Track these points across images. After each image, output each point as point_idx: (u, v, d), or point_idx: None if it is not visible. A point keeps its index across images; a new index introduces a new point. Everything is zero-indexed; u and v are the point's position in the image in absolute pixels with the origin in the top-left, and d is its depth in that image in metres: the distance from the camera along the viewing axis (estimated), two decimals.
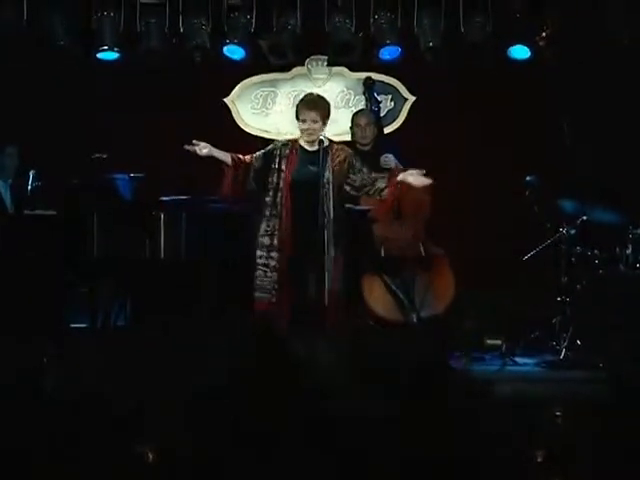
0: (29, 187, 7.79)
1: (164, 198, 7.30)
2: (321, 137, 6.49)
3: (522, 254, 7.64)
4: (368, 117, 7.77)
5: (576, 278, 7.48)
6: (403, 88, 8.89)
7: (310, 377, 3.34)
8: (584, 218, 7.51)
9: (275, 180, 6.50)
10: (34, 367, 3.94)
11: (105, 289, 7.47)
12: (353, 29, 8.46)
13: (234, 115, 8.93)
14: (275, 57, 8.65)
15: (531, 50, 8.42)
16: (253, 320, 6.41)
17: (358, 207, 7.24)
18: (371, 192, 6.58)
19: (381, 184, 6.52)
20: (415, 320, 7.28)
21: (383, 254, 7.49)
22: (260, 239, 6.48)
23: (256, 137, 8.78)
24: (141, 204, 7.37)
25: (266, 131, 8.89)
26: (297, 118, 6.60)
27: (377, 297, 7.39)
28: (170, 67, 8.64)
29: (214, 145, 6.56)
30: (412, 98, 8.87)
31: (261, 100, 8.96)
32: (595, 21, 8.23)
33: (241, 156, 6.57)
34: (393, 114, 8.86)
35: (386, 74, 8.78)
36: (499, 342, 7.71)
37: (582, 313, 7.39)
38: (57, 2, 8.34)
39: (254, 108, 8.96)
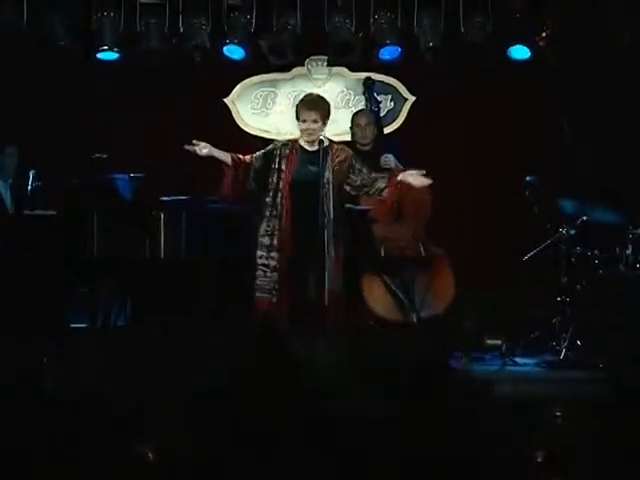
0: (29, 187, 7.79)
1: (164, 198, 7.30)
2: (321, 137, 6.49)
3: (522, 254, 7.63)
4: (368, 117, 7.77)
5: (576, 278, 7.48)
6: (403, 88, 8.89)
7: (310, 377, 3.34)
8: (584, 218, 7.51)
9: (275, 180, 6.50)
10: (34, 367, 3.94)
11: (105, 289, 7.47)
12: (353, 29, 8.45)
13: (234, 115, 8.93)
14: (275, 57, 8.65)
15: (531, 50, 8.42)
16: (254, 320, 6.42)
17: (358, 207, 7.24)
18: (371, 192, 6.58)
19: (381, 184, 6.51)
20: (415, 320, 7.28)
21: (383, 254, 7.49)
22: (260, 239, 6.48)
23: (256, 137, 8.78)
24: (141, 204, 7.37)
25: (266, 131, 8.89)
26: (297, 118, 6.60)
27: (377, 297, 7.39)
28: (170, 67, 8.64)
29: (214, 145, 6.56)
30: (412, 98, 8.87)
31: (261, 100, 8.96)
32: (595, 21, 8.23)
33: (241, 156, 6.57)
34: (393, 114, 8.86)
35: (386, 74, 8.78)
36: (499, 342, 7.71)
37: (582, 313, 7.38)
38: (57, 2, 8.34)
39: (254, 108, 8.96)
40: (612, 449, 3.14)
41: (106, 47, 8.46)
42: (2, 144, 8.14)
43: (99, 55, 8.50)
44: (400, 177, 6.53)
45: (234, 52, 8.53)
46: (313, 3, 8.50)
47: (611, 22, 8.21)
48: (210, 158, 6.54)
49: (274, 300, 6.41)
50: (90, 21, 8.44)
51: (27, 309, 7.05)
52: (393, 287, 7.37)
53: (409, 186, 6.65)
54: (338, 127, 8.07)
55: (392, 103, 8.88)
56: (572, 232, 7.53)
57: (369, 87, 7.98)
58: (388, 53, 8.52)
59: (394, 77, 8.83)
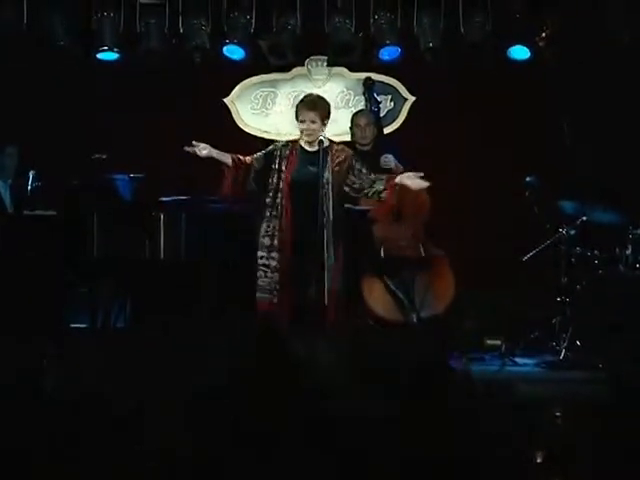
0: (29, 187, 7.79)
1: (164, 198, 7.30)
2: (321, 137, 6.49)
3: (522, 254, 7.63)
4: (368, 117, 7.77)
5: (576, 278, 7.48)
6: (403, 88, 8.89)
7: (310, 377, 3.34)
8: (584, 218, 7.51)
9: (275, 181, 6.51)
10: (34, 367, 3.93)
11: (105, 289, 7.47)
12: (353, 29, 8.46)
13: (234, 115, 8.93)
14: (275, 57, 8.65)
15: (531, 50, 8.42)
16: (255, 321, 6.42)
17: (358, 207, 7.24)
18: (370, 194, 6.58)
19: (379, 186, 6.52)
20: (415, 320, 7.28)
21: (383, 254, 7.49)
22: (261, 240, 6.49)
23: (256, 137, 8.78)
24: (141, 204, 7.37)
25: (266, 131, 8.89)
26: (296, 118, 6.61)
27: (377, 297, 7.39)
28: (170, 67, 8.64)
29: (214, 145, 6.56)
30: (412, 98, 8.87)
31: (261, 100, 8.96)
32: (595, 21, 8.23)
33: (241, 157, 6.57)
34: (393, 114, 8.86)
35: (386, 74, 8.79)
36: (499, 342, 7.72)
37: (582, 313, 7.38)
38: (57, 2, 8.34)
39: (254, 108, 8.96)
40: (612, 449, 3.14)
41: (106, 47, 8.46)
42: (2, 144, 8.15)
43: (99, 55, 8.50)
44: (398, 179, 6.54)
45: (234, 52, 8.54)
46: (313, 3, 8.50)
47: (611, 22, 8.21)
48: (210, 159, 6.55)
49: (275, 300, 6.42)
50: (90, 21, 8.44)
51: (27, 309, 7.05)
52: (393, 287, 7.37)
53: (408, 187, 6.67)
54: (338, 127, 8.07)
55: (392, 103, 8.88)
56: (572, 232, 7.53)
57: (369, 87, 7.98)
58: (388, 53, 8.52)
59: (394, 77, 8.84)
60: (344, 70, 8.90)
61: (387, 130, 8.46)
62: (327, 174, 6.47)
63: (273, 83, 8.97)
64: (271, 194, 6.50)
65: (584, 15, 8.27)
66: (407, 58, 8.58)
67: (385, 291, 7.39)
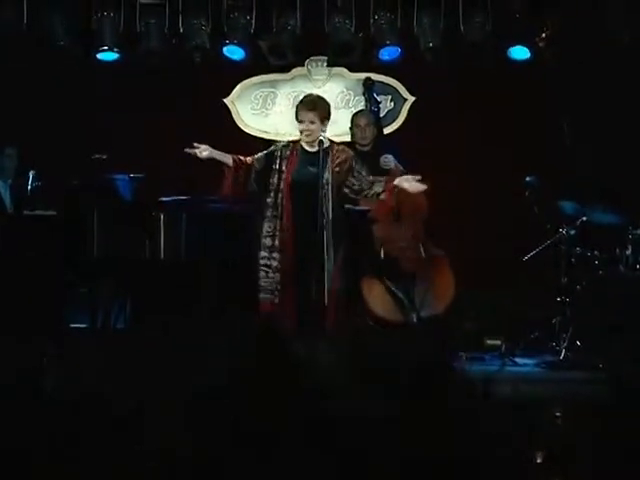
0: (29, 187, 7.79)
1: (164, 198, 7.30)
2: (321, 138, 6.50)
3: (522, 254, 7.64)
4: (368, 118, 7.77)
5: (576, 279, 7.48)
6: (403, 88, 8.89)
7: (310, 377, 3.34)
8: (584, 219, 7.51)
9: (276, 181, 6.52)
10: (34, 367, 3.93)
11: (105, 289, 7.47)
12: (353, 29, 8.46)
13: (234, 116, 8.93)
14: (275, 58, 8.65)
15: (531, 51, 8.43)
16: (256, 321, 6.42)
17: (358, 208, 7.23)
18: (369, 196, 6.59)
19: (378, 188, 6.52)
20: (415, 320, 7.28)
21: (383, 254, 7.49)
22: (262, 240, 6.49)
23: (255, 138, 8.79)
24: (141, 204, 7.37)
25: (266, 132, 8.89)
26: (296, 119, 6.62)
27: (377, 297, 7.39)
28: (170, 67, 8.64)
29: (214, 145, 6.56)
30: (412, 98, 8.87)
31: (261, 101, 8.97)
32: (595, 21, 8.23)
33: (242, 157, 6.58)
34: (393, 114, 8.86)
35: (386, 74, 8.79)
36: (499, 342, 7.72)
37: (582, 314, 7.38)
38: (57, 2, 8.34)
39: (254, 109, 8.97)
40: (612, 450, 3.14)
41: (106, 47, 8.46)
42: (2, 145, 8.15)
43: (99, 55, 8.50)
44: (396, 182, 6.55)
45: (234, 52, 8.54)
46: (313, 3, 8.50)
47: (611, 22, 8.21)
48: (210, 160, 6.55)
49: (276, 301, 6.42)
50: (90, 21, 8.44)
51: (27, 309, 7.05)
52: (393, 287, 7.37)
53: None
54: (338, 128, 8.07)
55: (392, 103, 8.88)
56: (572, 232, 7.53)
57: (369, 87, 7.97)
58: (388, 53, 8.52)
59: (394, 77, 8.84)
60: (344, 70, 8.90)
61: (387, 130, 8.46)
62: (327, 175, 6.47)
63: (273, 83, 8.97)
64: (272, 194, 6.50)
65: (584, 15, 8.27)
66: (407, 58, 8.58)
67: (385, 291, 7.39)
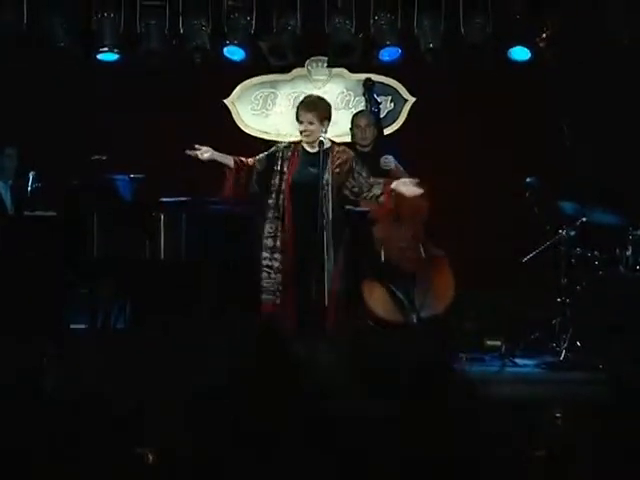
0: (29, 188, 7.79)
1: (164, 199, 7.30)
2: (321, 139, 6.50)
3: (522, 255, 7.64)
4: (368, 118, 7.77)
5: (576, 279, 7.48)
6: (403, 89, 8.89)
7: (310, 377, 3.34)
8: (584, 219, 7.51)
9: (277, 182, 6.52)
10: (34, 367, 3.94)
11: (105, 290, 7.47)
12: (353, 30, 8.46)
13: (234, 116, 8.93)
14: (275, 58, 8.65)
15: (531, 51, 8.43)
16: (258, 321, 6.42)
17: (358, 209, 7.23)
18: (368, 198, 6.59)
19: (377, 191, 6.53)
20: (415, 321, 7.28)
21: (383, 255, 7.48)
22: (264, 241, 6.50)
23: (255, 138, 8.79)
24: (141, 205, 7.37)
25: (266, 132, 8.89)
26: (296, 119, 6.63)
27: (377, 298, 7.38)
28: (170, 68, 8.64)
29: (214, 146, 6.56)
30: (412, 99, 8.87)
31: (261, 101, 8.97)
32: (595, 22, 8.23)
33: (243, 159, 6.58)
34: (393, 115, 8.87)
35: (386, 75, 8.79)
36: (499, 343, 7.72)
37: (582, 314, 7.38)
38: (57, 3, 8.34)
39: (254, 109, 8.97)
40: (612, 450, 3.14)
41: (106, 48, 8.46)
42: (2, 145, 8.15)
43: (99, 56, 8.50)
44: (393, 185, 6.54)
45: (234, 53, 8.54)
46: (313, 4, 8.50)
47: (611, 22, 8.21)
48: (212, 161, 6.55)
49: (278, 302, 6.42)
50: (90, 22, 8.44)
51: (27, 309, 7.05)
52: (393, 288, 7.36)
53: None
54: (338, 128, 8.06)
55: (392, 104, 8.88)
56: (572, 233, 7.53)
57: (369, 88, 7.96)
58: (388, 54, 8.52)
59: (394, 78, 8.84)
60: (344, 71, 8.90)
61: (387, 131, 8.45)
62: (327, 176, 6.48)
63: (273, 84, 8.97)
64: (273, 195, 6.51)
65: (584, 16, 8.27)
66: (407, 59, 8.58)
67: (385, 292, 7.38)
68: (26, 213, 7.58)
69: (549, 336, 7.58)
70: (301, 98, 6.97)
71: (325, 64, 8.92)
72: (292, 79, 8.96)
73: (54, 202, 7.51)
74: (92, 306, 7.40)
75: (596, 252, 7.50)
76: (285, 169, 6.53)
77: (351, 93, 8.87)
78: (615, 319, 7.19)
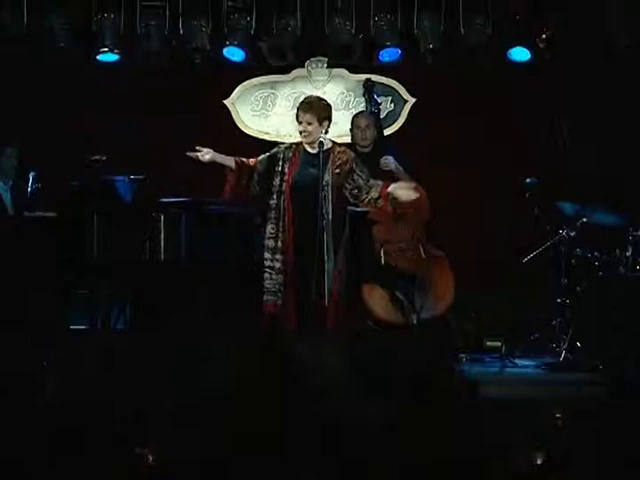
0: (29, 188, 7.79)
1: (164, 200, 7.30)
2: (321, 139, 6.50)
3: (522, 256, 7.64)
4: (368, 119, 7.77)
5: (576, 280, 7.48)
6: (403, 90, 8.89)
7: (309, 379, 3.34)
8: (584, 220, 7.51)
9: (278, 183, 6.52)
10: (33, 369, 3.93)
11: (105, 291, 7.46)
12: (353, 31, 8.46)
13: (234, 117, 8.93)
14: (275, 59, 8.66)
15: (531, 52, 8.42)
16: (259, 323, 6.43)
17: (358, 209, 7.23)
18: (366, 201, 6.59)
19: (374, 194, 6.52)
20: (415, 321, 7.27)
21: (383, 256, 7.49)
22: (266, 242, 6.50)
23: (255, 139, 8.79)
24: (141, 206, 7.37)
25: (266, 133, 8.89)
26: (296, 120, 6.64)
27: (377, 298, 7.38)
28: (170, 69, 8.64)
29: (214, 147, 6.56)
30: (412, 100, 8.87)
31: (261, 102, 8.96)
32: (595, 22, 8.23)
33: (245, 159, 6.58)
34: (393, 116, 8.86)
35: (386, 76, 8.79)
36: (499, 344, 7.72)
37: (582, 315, 7.38)
38: (57, 4, 8.34)
39: (254, 110, 8.97)
40: (612, 451, 3.14)
41: (106, 49, 8.46)
42: (2, 145, 8.15)
43: (99, 57, 8.50)
44: (390, 189, 6.53)
45: (234, 54, 8.54)
46: (313, 5, 8.50)
47: (610, 24, 8.21)
48: (213, 162, 6.55)
49: (279, 302, 6.42)
50: (90, 23, 8.44)
51: (27, 310, 7.05)
52: (393, 288, 7.36)
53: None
54: (338, 129, 8.07)
55: (392, 105, 8.88)
56: (572, 234, 7.53)
57: (369, 89, 7.96)
58: (388, 55, 8.52)
59: (394, 79, 8.84)
60: (344, 71, 8.90)
61: (387, 132, 8.45)
62: (327, 176, 6.48)
63: (273, 85, 8.97)
64: (275, 196, 6.51)
65: (584, 16, 8.27)
66: (407, 60, 8.58)
67: (385, 292, 7.38)
68: (26, 214, 7.58)
69: (549, 337, 7.58)
70: (301, 99, 6.97)
71: (325, 65, 8.91)
72: (292, 80, 8.96)
73: (54, 203, 7.51)
74: (92, 307, 7.40)
75: (596, 253, 7.50)
76: (286, 170, 6.53)
77: (351, 94, 8.87)
78: (615, 319, 7.19)
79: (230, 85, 8.92)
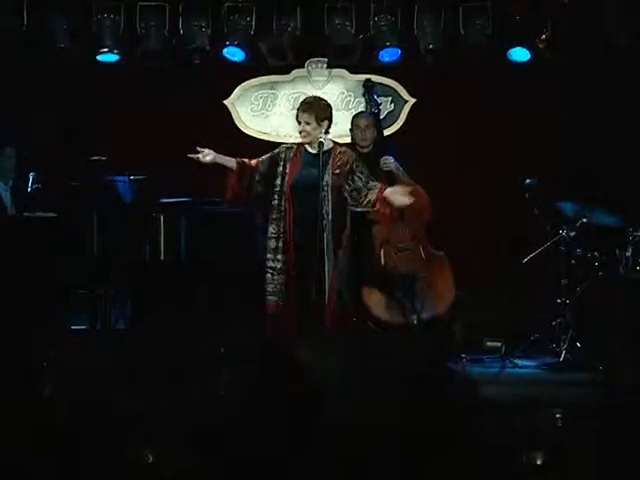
0: (29, 188, 7.79)
1: (164, 200, 7.31)
2: (321, 139, 6.50)
3: (522, 256, 7.64)
4: (368, 119, 7.77)
5: (576, 280, 7.48)
6: (403, 90, 8.88)
7: (310, 380, 3.34)
8: (584, 220, 7.51)
9: (280, 183, 6.52)
10: (33, 369, 3.93)
11: (105, 291, 7.46)
12: (353, 31, 8.45)
13: (234, 117, 8.93)
14: (275, 59, 8.65)
15: (531, 52, 8.42)
16: (261, 323, 6.44)
17: (358, 209, 7.23)
18: (363, 203, 6.58)
19: (372, 197, 6.52)
20: (415, 322, 7.27)
21: (383, 256, 7.49)
22: (267, 242, 6.50)
23: (255, 139, 8.79)
24: (141, 206, 7.38)
25: (266, 133, 8.89)
26: (296, 120, 6.65)
27: (377, 299, 7.39)
28: (170, 69, 8.64)
29: (214, 147, 6.56)
30: (412, 100, 8.86)
31: (261, 102, 8.96)
32: (595, 22, 8.22)
33: (246, 160, 6.59)
34: (393, 116, 8.86)
35: (386, 76, 8.78)
36: (499, 344, 7.72)
37: (582, 315, 7.39)
38: (57, 4, 8.34)
39: (254, 110, 8.96)
40: (612, 451, 3.14)
41: (106, 49, 8.46)
42: (2, 145, 8.15)
43: (99, 57, 8.50)
44: (386, 193, 6.53)
45: (234, 54, 8.53)
46: (313, 5, 8.50)
47: (610, 24, 8.20)
48: (214, 164, 6.55)
49: (281, 303, 6.42)
50: (90, 23, 8.44)
51: (27, 310, 7.05)
52: (393, 289, 7.36)
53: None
54: (338, 129, 8.04)
55: (392, 105, 8.87)
56: (572, 234, 7.53)
57: (369, 89, 7.97)
58: (388, 55, 8.52)
59: (394, 79, 8.83)
60: (344, 72, 8.89)
61: (387, 132, 8.45)
62: (327, 177, 6.48)
63: (273, 85, 8.96)
64: (276, 196, 6.51)
65: (584, 16, 8.26)
66: (407, 60, 8.58)
67: (385, 293, 7.38)
68: (26, 214, 7.58)
69: (549, 337, 7.58)
70: (301, 99, 6.97)
71: (325, 65, 8.90)
72: (292, 80, 8.96)
73: (54, 203, 7.50)
74: (92, 308, 7.40)
75: (596, 253, 7.50)
76: (287, 170, 6.53)
77: (351, 94, 8.86)
78: (615, 320, 7.19)
79: (230, 85, 8.92)
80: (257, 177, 6.55)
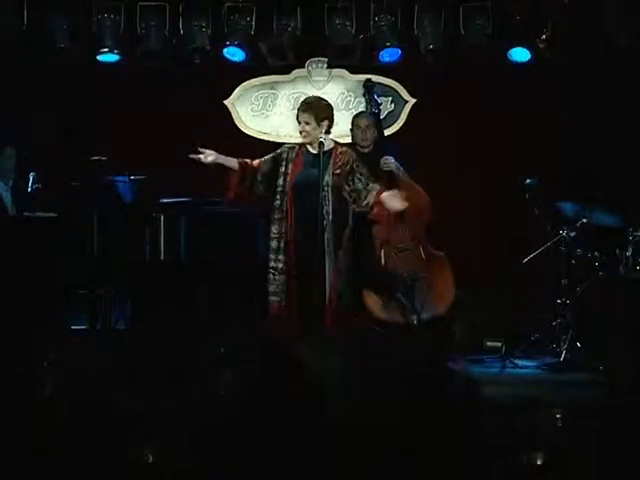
0: (29, 188, 7.79)
1: (164, 200, 7.30)
2: (321, 139, 6.50)
3: (522, 256, 7.64)
4: (368, 119, 7.77)
5: (576, 280, 7.48)
6: (403, 90, 8.88)
7: (309, 381, 3.34)
8: (584, 220, 7.51)
9: (281, 183, 6.52)
10: (33, 369, 3.94)
11: (105, 291, 7.46)
12: (353, 31, 8.45)
13: (234, 117, 8.93)
14: (275, 59, 8.65)
15: (531, 52, 8.42)
16: (262, 323, 6.44)
17: (359, 209, 7.23)
18: (362, 205, 6.59)
19: (370, 199, 6.53)
20: (415, 322, 7.27)
21: (383, 256, 7.49)
22: (269, 242, 6.50)
23: (255, 139, 8.79)
24: (141, 206, 7.38)
25: (266, 133, 8.89)
26: (296, 120, 6.66)
27: (377, 299, 7.38)
28: (170, 69, 8.64)
29: (214, 147, 6.56)
30: (412, 100, 8.86)
31: (261, 102, 8.96)
32: (595, 22, 8.22)
33: (248, 161, 6.59)
34: (393, 116, 8.86)
35: (386, 76, 8.78)
36: (499, 344, 7.72)
37: (582, 315, 7.39)
38: (57, 4, 8.34)
39: (254, 110, 8.96)
40: (612, 451, 3.14)
41: (106, 49, 8.46)
42: (2, 145, 8.15)
43: (99, 57, 8.50)
44: (382, 197, 6.54)
45: (234, 54, 8.53)
46: (313, 5, 8.50)
47: (610, 24, 8.20)
48: (215, 164, 6.55)
49: (283, 303, 6.42)
50: (91, 23, 8.44)
51: (27, 310, 7.05)
52: (393, 289, 7.36)
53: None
54: (338, 129, 8.04)
55: (392, 105, 8.87)
56: (572, 234, 7.53)
57: (369, 89, 7.96)
58: (388, 55, 8.52)
59: (394, 79, 8.83)
60: (344, 72, 8.89)
61: (387, 132, 8.45)
62: (327, 177, 6.48)
63: (273, 85, 8.96)
64: (278, 197, 6.51)
65: (584, 16, 8.26)
66: (408, 60, 8.58)
67: (385, 293, 7.38)
68: (26, 214, 7.58)
69: (549, 337, 7.58)
70: (301, 99, 6.97)
71: (325, 65, 8.91)
72: (292, 80, 8.96)
73: (54, 203, 7.51)
74: (92, 308, 7.40)
75: (596, 253, 7.50)
76: (289, 170, 6.54)
77: (351, 94, 8.86)
78: (615, 320, 7.19)
79: (230, 85, 8.92)
80: (259, 177, 6.55)
